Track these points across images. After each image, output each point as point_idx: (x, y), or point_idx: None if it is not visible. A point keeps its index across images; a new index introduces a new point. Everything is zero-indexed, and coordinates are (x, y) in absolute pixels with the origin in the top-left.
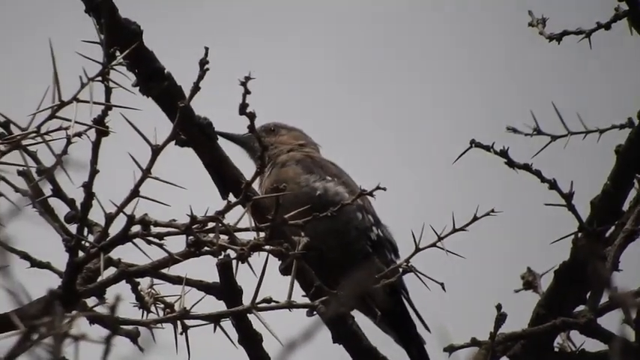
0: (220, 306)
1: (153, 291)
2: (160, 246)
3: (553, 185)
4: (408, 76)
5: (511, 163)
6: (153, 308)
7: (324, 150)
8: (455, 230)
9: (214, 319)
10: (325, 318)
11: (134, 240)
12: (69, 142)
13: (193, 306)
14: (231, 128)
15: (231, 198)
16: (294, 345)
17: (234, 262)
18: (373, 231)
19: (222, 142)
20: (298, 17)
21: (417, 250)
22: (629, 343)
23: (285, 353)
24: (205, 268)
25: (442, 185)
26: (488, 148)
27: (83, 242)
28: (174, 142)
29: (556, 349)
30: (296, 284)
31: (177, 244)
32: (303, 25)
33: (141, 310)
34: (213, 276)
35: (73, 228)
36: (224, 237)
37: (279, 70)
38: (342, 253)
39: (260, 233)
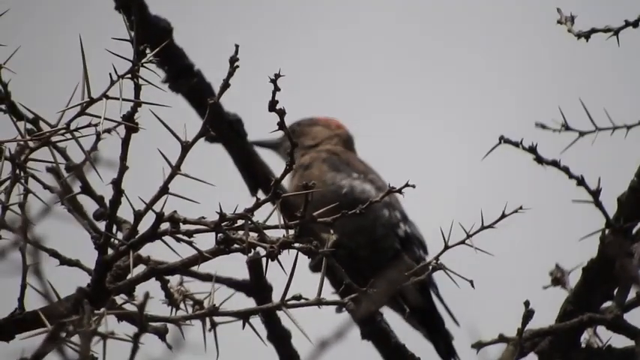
0: (250, 303)
1: (182, 288)
2: (190, 243)
3: (581, 182)
4: (436, 73)
5: (540, 160)
6: (182, 305)
7: (357, 141)
8: (483, 227)
9: (243, 315)
10: (355, 316)
11: (163, 237)
12: (98, 139)
13: (222, 303)
14: (264, 124)
15: (260, 195)
16: (326, 344)
17: (263, 259)
18: (401, 227)
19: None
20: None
21: (446, 247)
22: None
23: (317, 352)
24: (235, 266)
25: (470, 182)
26: (517, 145)
27: (112, 240)
28: (203, 138)
29: (583, 345)
30: (326, 282)
31: (206, 241)
32: (329, 13)
33: (170, 307)
34: (242, 273)
35: (102, 225)
36: (253, 234)
37: (311, 59)
38: (371, 250)
39: (289, 231)
